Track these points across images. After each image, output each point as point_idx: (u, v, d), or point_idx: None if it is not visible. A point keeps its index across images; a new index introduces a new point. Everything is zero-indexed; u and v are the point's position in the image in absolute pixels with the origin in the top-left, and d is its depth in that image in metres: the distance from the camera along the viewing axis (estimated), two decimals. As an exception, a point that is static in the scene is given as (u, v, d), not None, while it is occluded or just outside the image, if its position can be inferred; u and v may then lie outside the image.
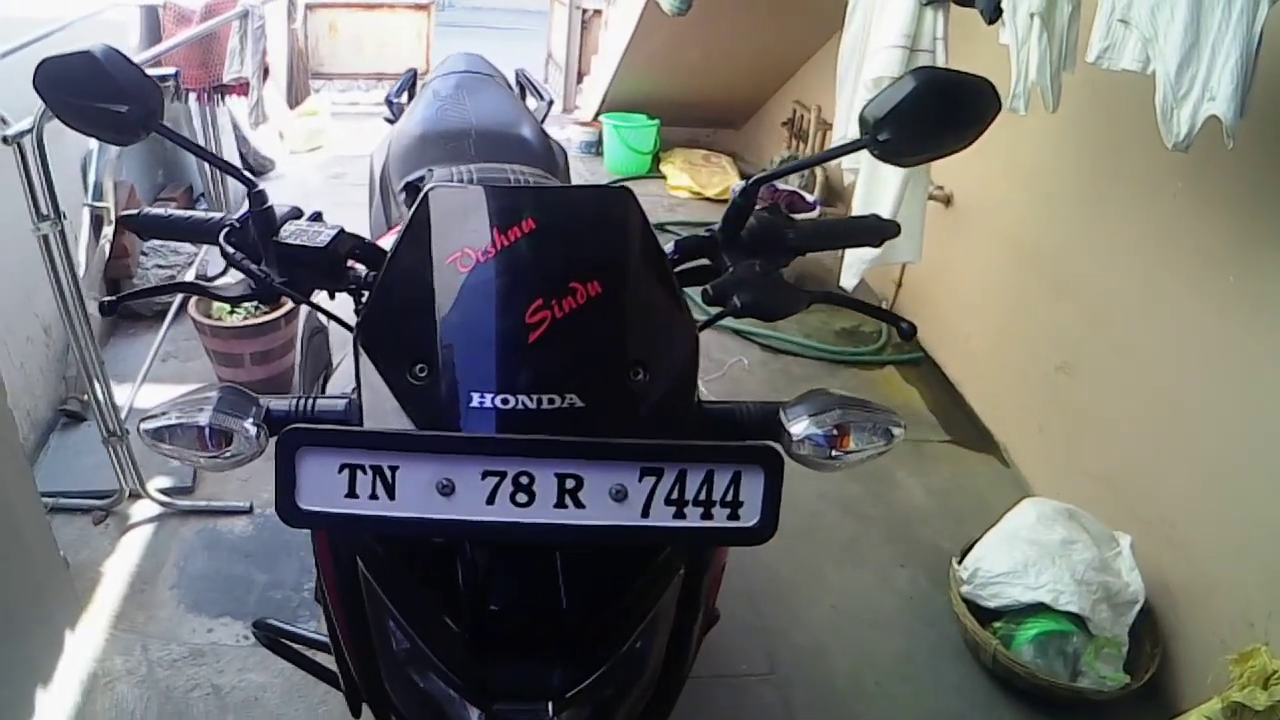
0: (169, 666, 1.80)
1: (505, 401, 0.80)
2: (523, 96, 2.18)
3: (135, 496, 2.21)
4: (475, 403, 0.80)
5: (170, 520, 2.19)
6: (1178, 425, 1.99)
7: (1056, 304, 2.47)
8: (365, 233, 1.22)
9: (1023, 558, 1.93)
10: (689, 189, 4.75)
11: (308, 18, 4.65)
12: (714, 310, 0.97)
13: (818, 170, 4.20)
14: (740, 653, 1.95)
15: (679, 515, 0.77)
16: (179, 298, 2.90)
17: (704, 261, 1.07)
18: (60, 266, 1.88)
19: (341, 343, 1.02)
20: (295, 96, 4.14)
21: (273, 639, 1.44)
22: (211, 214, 1.04)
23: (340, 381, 1.21)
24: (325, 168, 4.86)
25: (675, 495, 0.77)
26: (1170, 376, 2.02)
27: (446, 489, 0.75)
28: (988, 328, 2.88)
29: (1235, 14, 1.31)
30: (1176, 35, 1.36)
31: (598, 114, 5.18)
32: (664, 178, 4.91)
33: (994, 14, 1.77)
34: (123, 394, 2.37)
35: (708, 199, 4.68)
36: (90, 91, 0.88)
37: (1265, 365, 1.76)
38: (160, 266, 3.19)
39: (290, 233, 0.95)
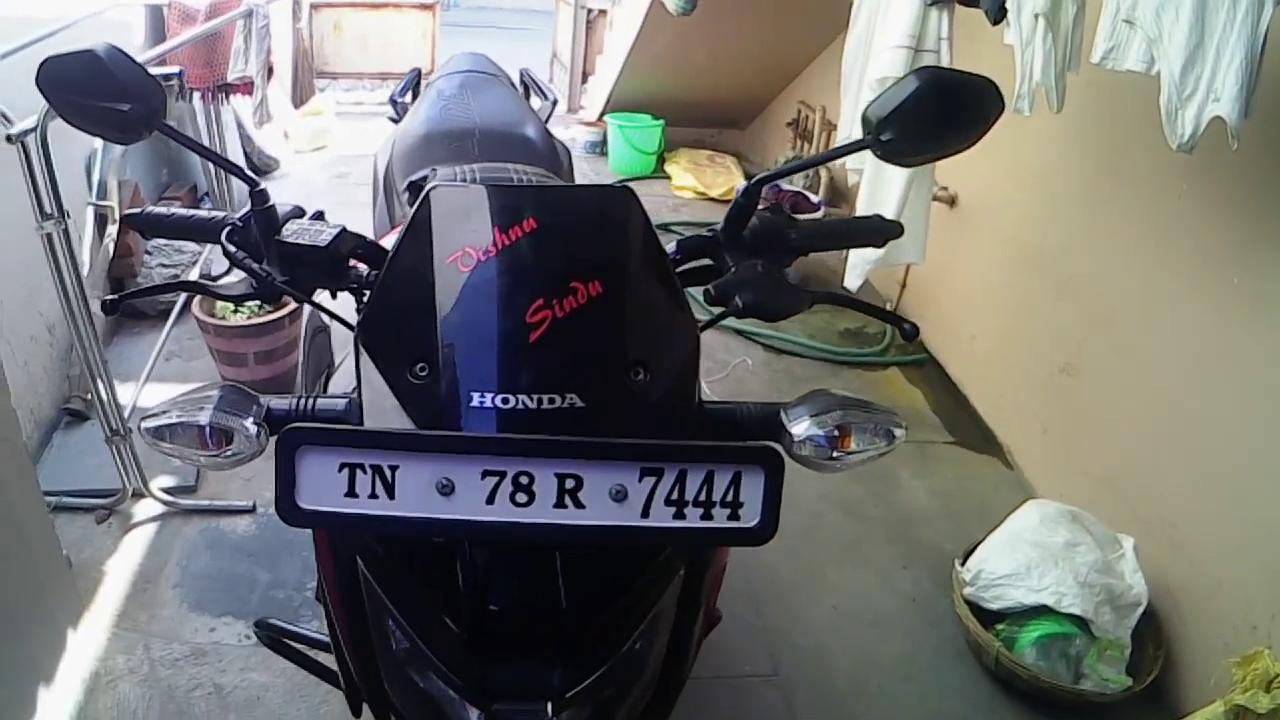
0: (171, 666, 1.80)
1: (505, 401, 0.80)
2: (527, 96, 2.18)
3: (138, 495, 2.21)
4: (475, 402, 0.80)
5: (173, 519, 2.20)
6: (1179, 426, 1.98)
7: (1060, 305, 2.47)
8: (369, 232, 1.22)
9: (1025, 560, 1.92)
10: (694, 189, 4.75)
11: (313, 17, 4.66)
12: (716, 310, 0.96)
13: (823, 171, 4.20)
14: (742, 653, 1.95)
15: (679, 516, 0.77)
16: (183, 297, 2.90)
17: (706, 261, 1.06)
18: (64, 265, 1.89)
19: (344, 342, 1.02)
20: (300, 96, 4.14)
21: (275, 639, 1.43)
22: (214, 213, 1.04)
23: (342, 381, 1.21)
24: (330, 167, 4.87)
25: (675, 495, 0.77)
26: (1172, 377, 2.02)
27: (446, 489, 0.75)
28: (991, 329, 2.88)
29: (1240, 15, 1.31)
30: (1181, 36, 1.36)
31: (603, 114, 5.18)
32: (669, 178, 4.91)
33: (999, 14, 1.77)
34: (126, 393, 2.38)
35: (712, 199, 4.67)
36: (93, 90, 0.88)
37: (1267, 366, 1.75)
38: (164, 265, 3.20)
39: (292, 232, 0.96)
